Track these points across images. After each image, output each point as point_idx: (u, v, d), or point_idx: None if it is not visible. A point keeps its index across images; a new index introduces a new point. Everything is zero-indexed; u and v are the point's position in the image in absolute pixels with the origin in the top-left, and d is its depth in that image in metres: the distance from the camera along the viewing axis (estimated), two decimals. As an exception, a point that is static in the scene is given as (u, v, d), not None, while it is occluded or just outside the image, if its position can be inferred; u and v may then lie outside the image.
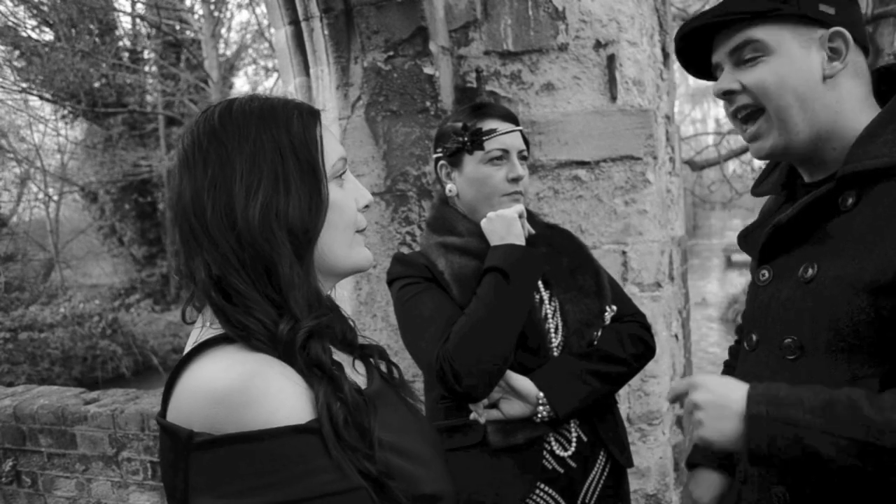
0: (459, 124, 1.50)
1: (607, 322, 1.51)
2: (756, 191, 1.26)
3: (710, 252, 25.83)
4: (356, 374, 0.92)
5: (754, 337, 1.13)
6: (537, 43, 2.24)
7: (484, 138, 1.47)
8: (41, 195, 16.91)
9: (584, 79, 2.22)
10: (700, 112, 30.95)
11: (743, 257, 18.95)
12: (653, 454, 2.28)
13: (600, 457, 1.47)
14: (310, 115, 0.87)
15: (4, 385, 3.99)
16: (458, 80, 2.34)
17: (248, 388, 0.71)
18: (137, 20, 14.54)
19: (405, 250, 2.26)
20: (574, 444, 1.44)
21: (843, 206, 1.00)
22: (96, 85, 13.71)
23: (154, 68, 15.29)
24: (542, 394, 1.38)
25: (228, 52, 15.63)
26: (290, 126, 0.84)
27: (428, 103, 2.23)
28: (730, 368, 1.41)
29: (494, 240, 1.43)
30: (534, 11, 2.23)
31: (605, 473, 1.48)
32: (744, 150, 9.41)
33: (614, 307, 1.54)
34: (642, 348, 1.52)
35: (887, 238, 0.93)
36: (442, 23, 2.29)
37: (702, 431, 0.98)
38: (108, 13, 13.26)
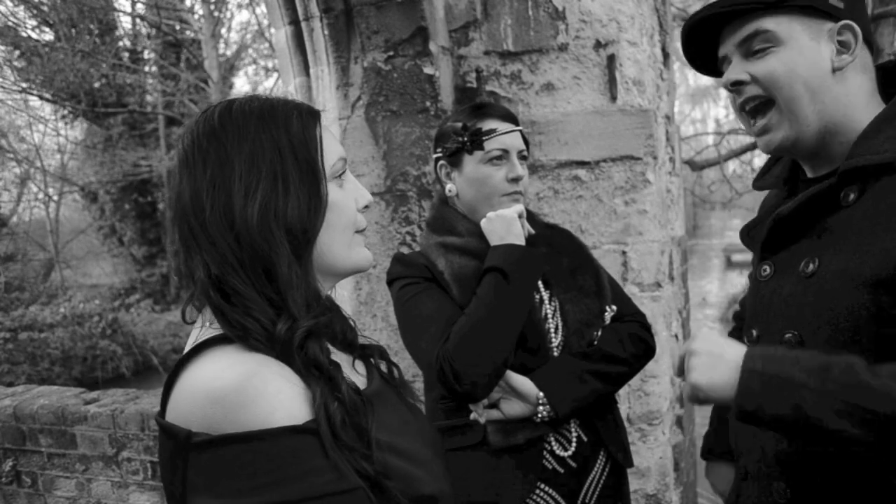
0: (459, 124, 1.50)
1: (607, 322, 1.51)
2: (758, 184, 1.26)
3: (710, 252, 25.81)
4: (356, 374, 0.91)
5: (755, 332, 1.13)
6: (537, 43, 2.24)
7: (484, 138, 1.47)
8: (41, 195, 16.93)
9: (584, 79, 2.22)
10: (700, 112, 30.95)
11: (743, 257, 18.95)
12: (653, 454, 2.28)
13: (600, 457, 1.47)
14: (309, 116, 0.87)
15: (4, 385, 3.98)
16: (458, 80, 2.34)
17: (245, 389, 0.71)
18: (137, 20, 14.53)
19: (405, 250, 2.26)
20: (574, 444, 1.44)
21: (844, 202, 1.00)
22: (96, 85, 13.69)
23: (154, 68, 15.27)
24: (542, 394, 1.38)
25: (228, 52, 15.62)
26: (289, 126, 0.84)
27: (428, 103, 2.23)
28: None
29: (494, 240, 1.43)
30: (534, 11, 2.23)
31: (605, 473, 1.48)
32: (744, 151, 9.39)
33: (614, 307, 1.54)
34: (642, 348, 1.52)
35: (888, 233, 0.93)
36: (442, 23, 2.29)
37: (694, 377, 0.96)
38: (108, 13, 13.25)
